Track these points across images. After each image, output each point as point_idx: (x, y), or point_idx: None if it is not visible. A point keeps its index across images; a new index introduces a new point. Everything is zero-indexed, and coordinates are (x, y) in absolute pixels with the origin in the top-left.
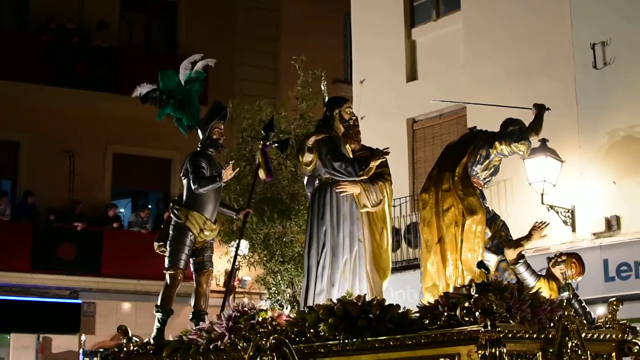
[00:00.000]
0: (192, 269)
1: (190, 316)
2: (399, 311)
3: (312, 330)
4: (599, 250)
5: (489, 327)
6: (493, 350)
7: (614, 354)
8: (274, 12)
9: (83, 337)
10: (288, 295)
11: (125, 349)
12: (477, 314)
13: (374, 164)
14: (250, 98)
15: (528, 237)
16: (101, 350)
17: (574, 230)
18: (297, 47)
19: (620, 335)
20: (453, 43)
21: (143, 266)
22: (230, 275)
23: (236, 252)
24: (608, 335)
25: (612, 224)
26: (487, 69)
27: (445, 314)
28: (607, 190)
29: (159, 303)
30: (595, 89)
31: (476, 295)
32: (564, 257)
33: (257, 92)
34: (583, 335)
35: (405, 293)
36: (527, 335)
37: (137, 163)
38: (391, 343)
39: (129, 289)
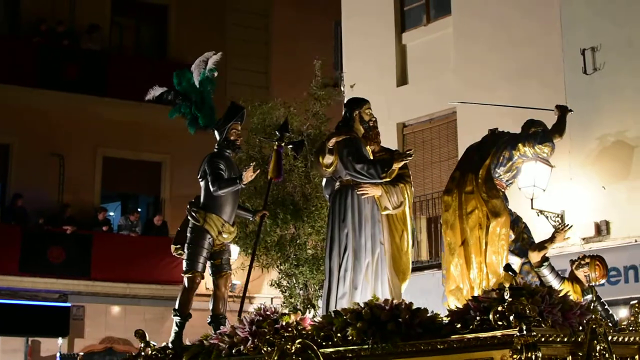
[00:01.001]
0: (209, 272)
1: (209, 320)
2: (428, 315)
3: (339, 335)
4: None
5: (525, 332)
6: (529, 355)
7: (637, 357)
8: (264, 16)
9: (59, 341)
10: (301, 298)
11: (143, 353)
12: (511, 318)
13: (396, 165)
14: (241, 102)
15: (551, 239)
16: (81, 354)
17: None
18: (287, 51)
19: None
20: (443, 48)
21: (132, 270)
22: (247, 278)
23: (253, 254)
24: (631, 338)
25: (602, 229)
26: (477, 74)
27: (478, 318)
28: (596, 195)
29: (177, 307)
30: (584, 94)
31: (510, 299)
32: (587, 260)
33: (248, 95)
34: (609, 338)
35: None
36: (558, 339)
37: (127, 166)
38: (422, 347)
39: (118, 292)
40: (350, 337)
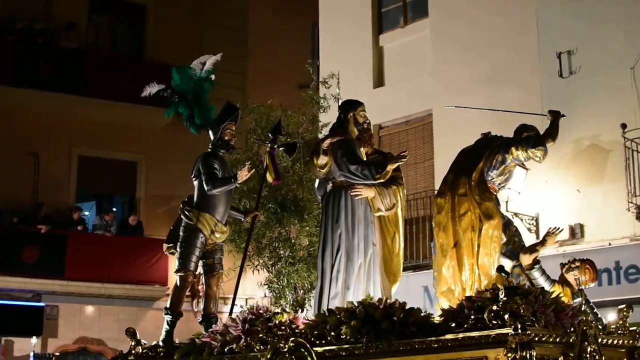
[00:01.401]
0: (201, 271)
1: (200, 319)
2: (422, 314)
3: (332, 333)
4: (562, 258)
5: (519, 331)
6: (523, 354)
7: None
8: (242, 17)
9: (33, 341)
10: (290, 299)
11: (134, 351)
12: (506, 317)
13: (390, 167)
14: (218, 102)
15: (542, 242)
16: (57, 354)
17: (538, 237)
18: (264, 52)
19: (631, 342)
20: (420, 50)
21: (107, 269)
22: (239, 278)
23: (244, 254)
24: (620, 341)
25: (576, 232)
26: (454, 76)
27: (472, 317)
28: (571, 199)
29: (168, 305)
30: (560, 97)
31: (504, 299)
32: (577, 263)
33: (225, 96)
34: (599, 340)
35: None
36: (551, 340)
37: (103, 166)
38: (416, 346)
39: (93, 292)
40: (344, 336)
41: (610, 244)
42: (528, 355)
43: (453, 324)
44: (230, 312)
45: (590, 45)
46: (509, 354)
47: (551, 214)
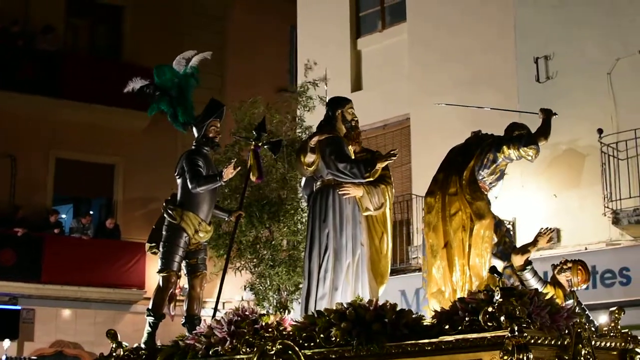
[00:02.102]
0: (184, 271)
1: (183, 321)
2: (413, 316)
3: (322, 335)
4: (539, 263)
5: (516, 333)
6: (520, 356)
7: None
8: (220, 19)
9: (6, 343)
10: (275, 301)
11: (114, 354)
12: (502, 319)
13: (380, 165)
14: (196, 104)
15: (534, 243)
16: (34, 358)
17: (515, 242)
18: (242, 55)
19: (622, 344)
20: (398, 54)
21: (84, 273)
22: (222, 279)
23: (228, 255)
24: (612, 344)
25: (553, 237)
26: (431, 80)
27: (467, 319)
28: (548, 203)
29: (150, 306)
30: (537, 102)
31: (500, 300)
32: (569, 265)
33: (203, 98)
34: (592, 343)
35: None
36: (546, 342)
37: (80, 168)
38: (409, 349)
39: (69, 295)
40: (334, 338)
41: (586, 249)
42: (525, 357)
43: (447, 326)
44: (214, 315)
45: (567, 51)
46: (506, 357)
47: (528, 219)
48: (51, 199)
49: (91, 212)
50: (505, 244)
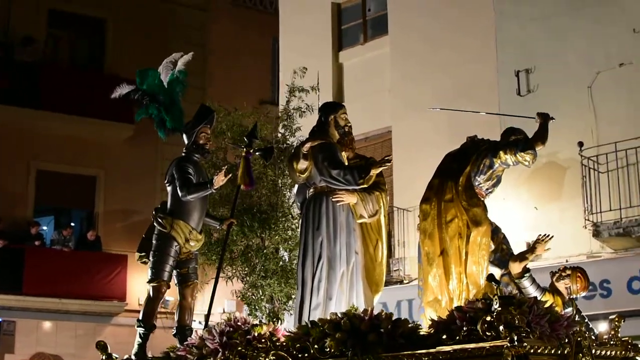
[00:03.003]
0: (175, 281)
1: (174, 331)
2: (409, 325)
3: (316, 346)
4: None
5: (516, 343)
6: None
7: None
8: (202, 32)
9: None
10: (267, 310)
11: None
12: (500, 328)
13: (374, 172)
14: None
15: (532, 250)
16: None
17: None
18: (225, 67)
19: (622, 352)
20: (380, 67)
21: (65, 285)
22: (214, 289)
23: (220, 264)
24: (612, 352)
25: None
26: (413, 93)
27: (465, 328)
28: (528, 216)
29: (140, 317)
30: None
31: (498, 309)
32: (568, 272)
33: (185, 110)
34: (593, 352)
35: None
36: (546, 352)
37: (61, 180)
38: (406, 359)
39: (50, 307)
40: (328, 349)
41: (567, 261)
42: None
43: (444, 336)
44: (205, 325)
45: (548, 64)
46: None
47: (508, 231)
48: (32, 210)
49: (72, 224)
50: (502, 251)
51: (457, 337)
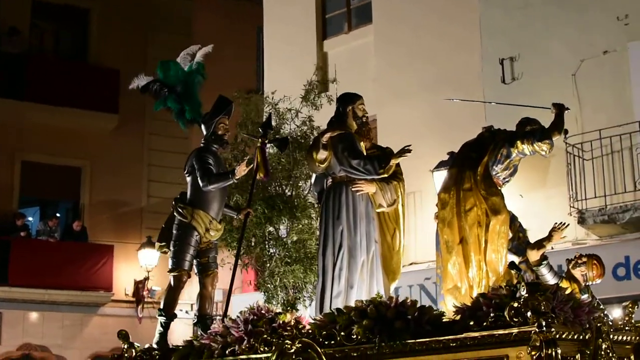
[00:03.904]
0: (195, 270)
1: (195, 320)
2: (435, 312)
3: (342, 333)
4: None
5: (544, 328)
6: (549, 352)
7: (632, 356)
8: (187, 21)
9: None
10: (282, 299)
11: (127, 355)
12: (528, 314)
13: (394, 161)
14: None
15: (549, 237)
16: None
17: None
18: (209, 56)
19: (637, 338)
20: (365, 55)
21: (51, 276)
22: (232, 280)
23: (237, 254)
24: (627, 338)
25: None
26: (398, 81)
27: (492, 314)
28: (514, 203)
29: (162, 306)
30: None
31: (526, 295)
32: (584, 259)
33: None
34: (611, 337)
35: None
36: (570, 337)
37: (46, 171)
38: (433, 345)
39: (37, 298)
40: (355, 336)
41: (552, 248)
42: (553, 353)
43: (471, 322)
44: (225, 313)
45: (532, 52)
46: (534, 352)
47: None
48: (17, 202)
49: (58, 215)
50: (519, 239)
51: (485, 324)
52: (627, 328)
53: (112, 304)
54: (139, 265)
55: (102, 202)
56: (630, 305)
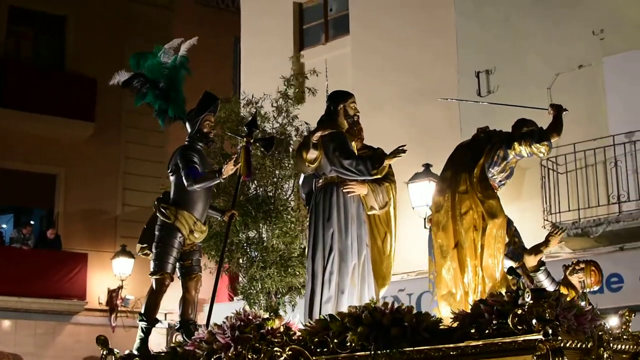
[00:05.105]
0: (178, 273)
1: (177, 326)
2: (432, 319)
3: (335, 341)
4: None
5: (550, 336)
6: None
7: None
8: (164, 30)
9: None
10: (263, 304)
11: None
12: (533, 322)
13: (388, 162)
14: (138, 116)
15: (546, 243)
16: None
17: None
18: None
19: (634, 347)
20: (342, 66)
21: (24, 283)
22: (216, 283)
23: (222, 256)
24: (623, 346)
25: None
26: (375, 93)
27: (494, 322)
28: None
29: (143, 311)
30: (478, 116)
31: (530, 302)
32: (582, 265)
33: (145, 110)
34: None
35: None
36: (573, 346)
37: (21, 178)
38: (432, 354)
39: (9, 306)
40: (349, 343)
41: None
42: None
43: (472, 330)
44: (208, 320)
45: (508, 65)
46: None
47: None
48: None
49: (32, 222)
50: (515, 244)
51: (487, 331)
52: (624, 337)
53: (85, 312)
54: (113, 274)
55: (76, 210)
56: (627, 314)
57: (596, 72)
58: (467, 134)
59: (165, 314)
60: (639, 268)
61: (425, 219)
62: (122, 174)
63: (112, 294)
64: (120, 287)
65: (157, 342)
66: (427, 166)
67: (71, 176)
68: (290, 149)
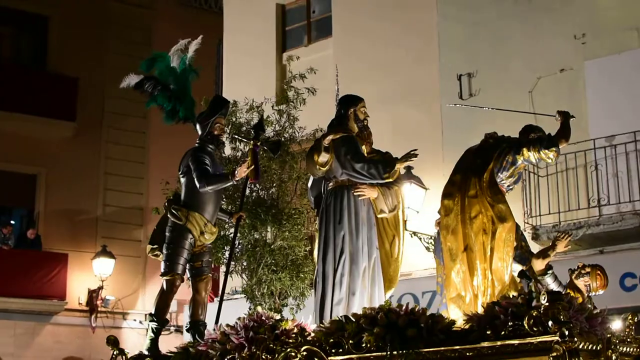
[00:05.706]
0: (188, 275)
1: (187, 326)
2: (446, 321)
3: (351, 341)
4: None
5: (567, 337)
6: None
7: None
8: (146, 31)
9: None
10: (267, 306)
11: None
12: (549, 323)
13: (400, 166)
14: (119, 116)
15: (553, 247)
16: None
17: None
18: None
19: (638, 350)
20: (324, 68)
21: (4, 283)
22: (224, 284)
23: (229, 259)
24: (627, 349)
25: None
26: (357, 94)
27: (510, 323)
28: None
29: (153, 311)
30: (460, 118)
31: (546, 304)
32: (588, 269)
33: (126, 110)
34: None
35: None
36: (586, 347)
37: (1, 178)
38: (448, 354)
39: None
40: (365, 344)
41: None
42: None
43: (488, 331)
44: (217, 321)
45: (490, 68)
46: None
47: None
48: None
49: (12, 222)
50: (522, 248)
51: (503, 333)
52: (628, 340)
53: (65, 312)
54: (93, 274)
55: (57, 210)
56: (631, 317)
57: (577, 76)
58: (448, 136)
59: (146, 315)
60: (619, 271)
61: (405, 221)
62: (103, 174)
63: (93, 295)
64: (101, 288)
65: (140, 342)
66: (409, 168)
67: (52, 176)
68: (289, 152)
